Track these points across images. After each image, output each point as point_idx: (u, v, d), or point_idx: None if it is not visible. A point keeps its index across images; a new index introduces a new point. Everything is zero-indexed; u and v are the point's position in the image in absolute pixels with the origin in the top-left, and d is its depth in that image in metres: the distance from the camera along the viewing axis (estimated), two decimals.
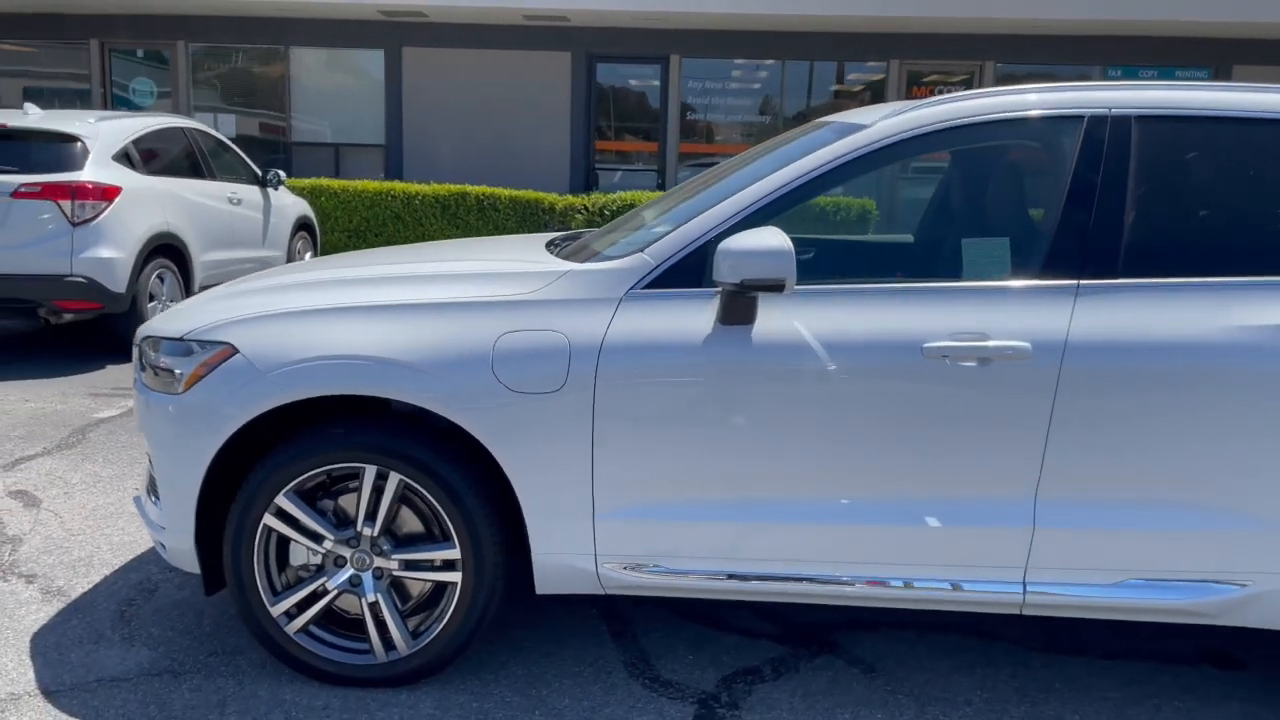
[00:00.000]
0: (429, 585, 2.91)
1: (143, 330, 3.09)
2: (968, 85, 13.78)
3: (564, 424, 2.72)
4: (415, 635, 2.89)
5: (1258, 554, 2.68)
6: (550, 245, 3.51)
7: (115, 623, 3.24)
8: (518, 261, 3.06)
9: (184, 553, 2.91)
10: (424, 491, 2.78)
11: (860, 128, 2.91)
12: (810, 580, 2.79)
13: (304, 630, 2.89)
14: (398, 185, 11.66)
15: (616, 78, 14.03)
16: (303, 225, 10.08)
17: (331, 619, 2.93)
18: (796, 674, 3.08)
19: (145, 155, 7.54)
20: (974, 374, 2.66)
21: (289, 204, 9.79)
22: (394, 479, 2.78)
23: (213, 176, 8.41)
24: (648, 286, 2.79)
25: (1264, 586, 2.70)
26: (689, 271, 2.79)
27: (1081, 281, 2.72)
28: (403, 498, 2.84)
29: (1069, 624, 3.44)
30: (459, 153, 13.96)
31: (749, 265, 2.58)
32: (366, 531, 2.84)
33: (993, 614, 3.44)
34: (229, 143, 9.10)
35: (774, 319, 2.72)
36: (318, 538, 2.85)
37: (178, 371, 2.87)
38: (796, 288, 2.75)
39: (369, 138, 14.24)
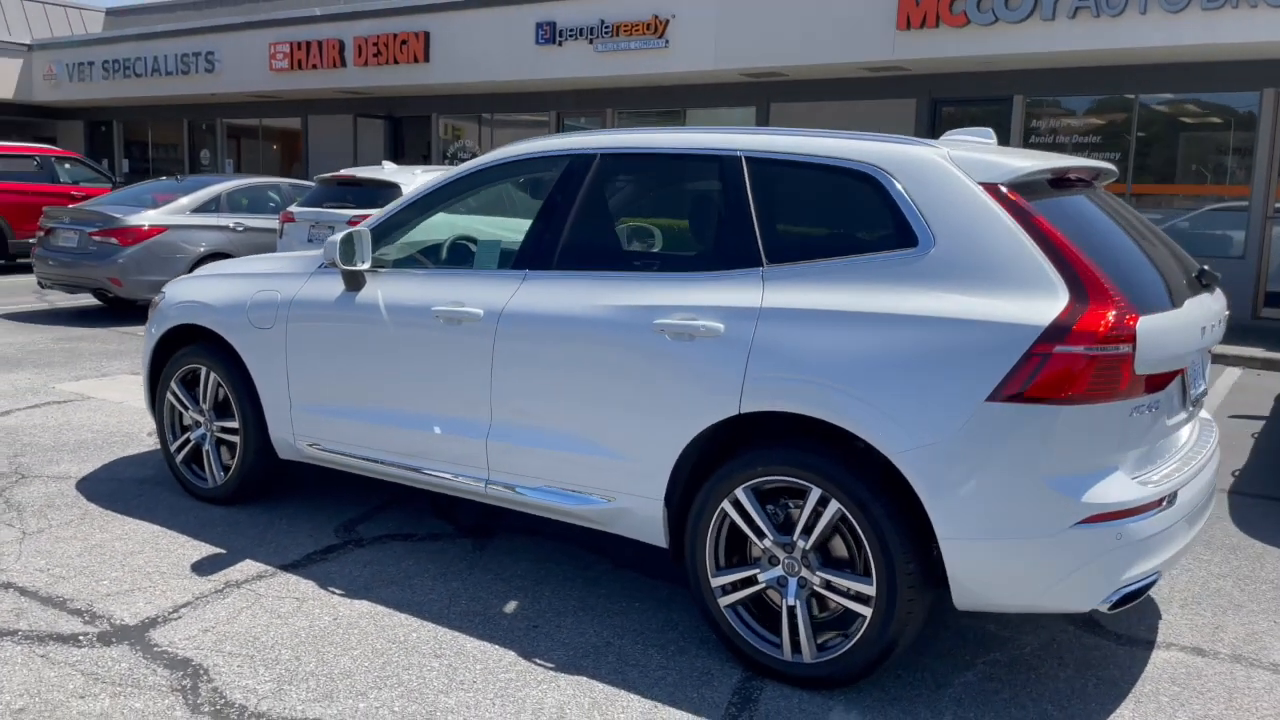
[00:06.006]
0: (238, 447, 4.81)
1: None
2: None
3: (274, 349, 4.47)
4: (225, 472, 4.81)
5: (619, 478, 3.56)
6: None
7: (144, 453, 5.62)
8: (303, 251, 4.85)
9: (146, 405, 5.16)
10: (222, 384, 4.70)
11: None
12: (383, 463, 4.20)
13: (184, 463, 4.96)
14: None
15: (960, 119, 14.36)
16: None
17: (194, 459, 4.96)
18: (436, 541, 4.45)
19: None
20: (453, 329, 3.91)
21: None
22: (212, 376, 4.75)
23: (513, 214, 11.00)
24: (329, 266, 4.43)
25: (625, 504, 3.57)
26: None
27: (528, 271, 3.82)
28: (217, 389, 4.77)
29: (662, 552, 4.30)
30: None
31: (327, 251, 4.14)
32: (202, 412, 4.83)
33: (621, 540, 4.43)
34: None
35: (370, 289, 4.21)
36: (185, 406, 4.90)
37: (154, 303, 5.13)
38: (391, 270, 4.21)
39: None
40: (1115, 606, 2.93)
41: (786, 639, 3.22)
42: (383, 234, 4.30)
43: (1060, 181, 3.38)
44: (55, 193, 15.20)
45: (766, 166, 3.44)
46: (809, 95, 15.26)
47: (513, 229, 4.82)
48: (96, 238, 10.63)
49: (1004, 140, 13.95)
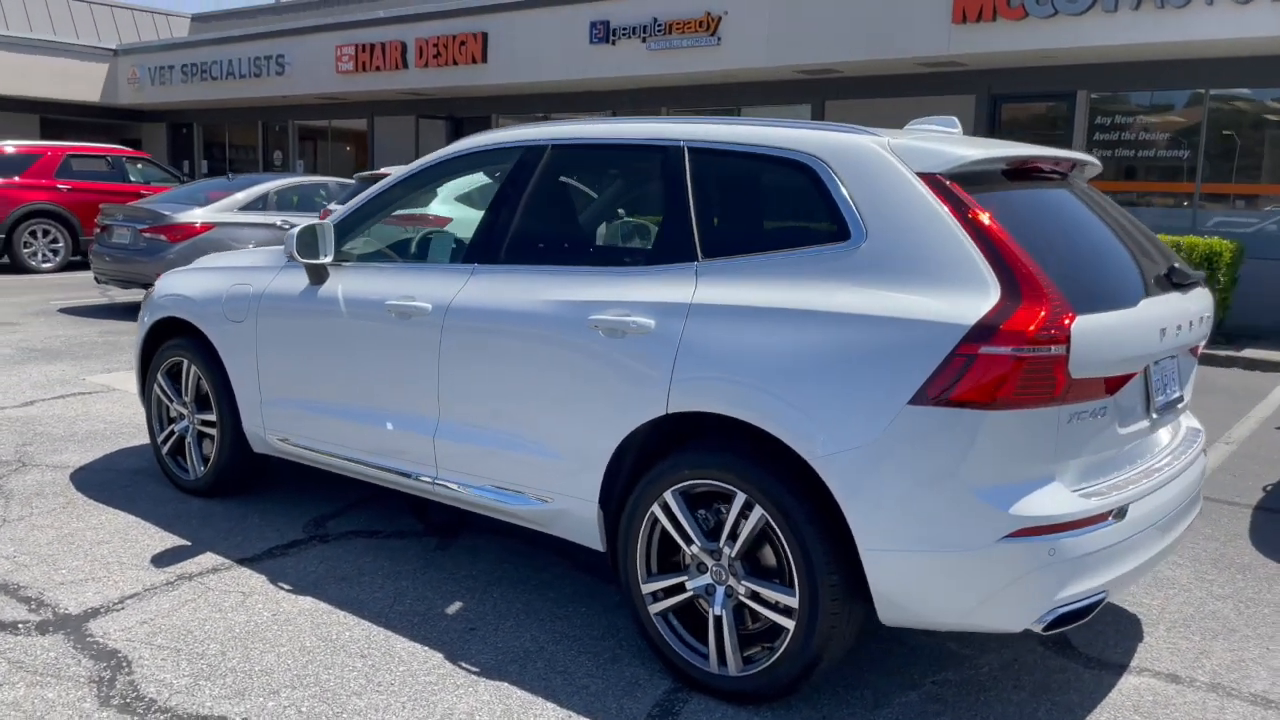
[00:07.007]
0: (215, 440, 4.82)
1: None
2: None
3: (246, 342, 4.47)
4: (205, 462, 4.83)
5: (556, 478, 3.45)
6: None
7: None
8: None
9: (137, 385, 5.22)
10: (202, 377, 4.72)
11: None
12: (345, 459, 4.16)
13: (169, 454, 5.00)
14: None
15: (1021, 116, 13.90)
16: None
17: (178, 450, 4.99)
18: (400, 539, 4.40)
19: None
20: (404, 324, 3.84)
21: None
22: (193, 369, 4.77)
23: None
24: (291, 260, 4.40)
25: (561, 505, 3.46)
26: None
27: (476, 265, 3.74)
28: (198, 382, 4.79)
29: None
30: None
31: (286, 245, 4.11)
32: (185, 404, 4.86)
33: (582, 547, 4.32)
34: None
35: (332, 282, 4.17)
36: (170, 398, 4.94)
37: (147, 294, 5.19)
38: (355, 263, 4.17)
39: None
40: (1051, 627, 2.72)
41: (713, 650, 3.08)
42: (347, 228, 4.26)
43: (1022, 173, 3.17)
44: (125, 192, 15.66)
45: (707, 157, 3.29)
46: (864, 92, 14.92)
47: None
48: (147, 234, 10.90)
49: (1066, 137, 13.46)
